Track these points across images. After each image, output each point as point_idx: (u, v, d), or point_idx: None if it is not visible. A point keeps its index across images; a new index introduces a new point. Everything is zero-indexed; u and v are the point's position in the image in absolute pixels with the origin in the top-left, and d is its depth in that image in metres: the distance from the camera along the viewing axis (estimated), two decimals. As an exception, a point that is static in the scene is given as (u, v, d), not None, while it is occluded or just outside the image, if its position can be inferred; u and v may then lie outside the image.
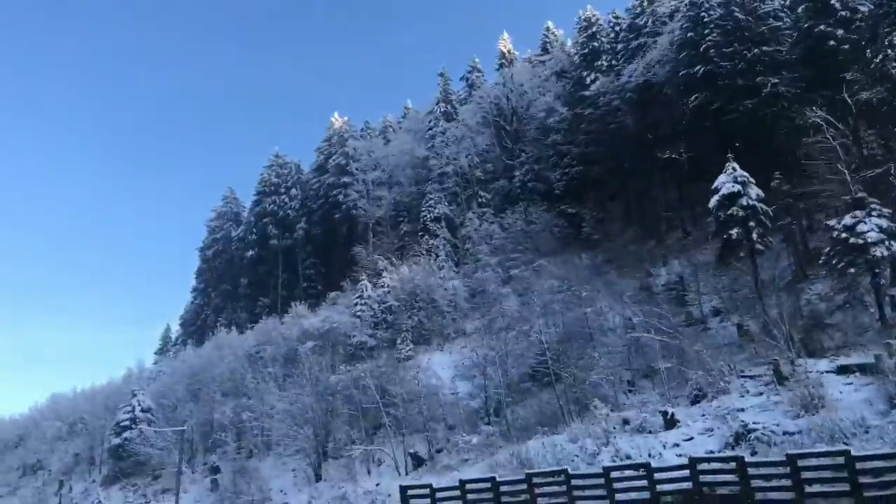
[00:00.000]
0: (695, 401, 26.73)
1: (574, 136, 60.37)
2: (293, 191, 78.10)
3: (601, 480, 20.83)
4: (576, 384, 31.37)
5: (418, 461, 31.74)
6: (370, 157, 69.42)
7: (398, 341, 45.40)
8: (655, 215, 54.97)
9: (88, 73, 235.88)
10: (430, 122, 69.09)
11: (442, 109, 68.05)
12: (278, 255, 76.34)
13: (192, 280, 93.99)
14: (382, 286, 49.99)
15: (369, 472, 32.70)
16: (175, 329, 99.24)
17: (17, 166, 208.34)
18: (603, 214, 58.82)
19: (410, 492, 24.78)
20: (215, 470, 38.38)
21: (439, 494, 24.02)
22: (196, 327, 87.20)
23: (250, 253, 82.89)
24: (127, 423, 42.32)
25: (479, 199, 60.63)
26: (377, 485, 30.89)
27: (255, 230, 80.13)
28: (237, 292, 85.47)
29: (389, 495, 29.48)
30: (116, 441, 42.02)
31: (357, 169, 72.36)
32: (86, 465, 45.94)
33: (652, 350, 35.07)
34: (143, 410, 42.98)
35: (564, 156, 60.59)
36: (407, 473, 31.20)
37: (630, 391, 32.59)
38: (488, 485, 23.03)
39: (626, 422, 26.55)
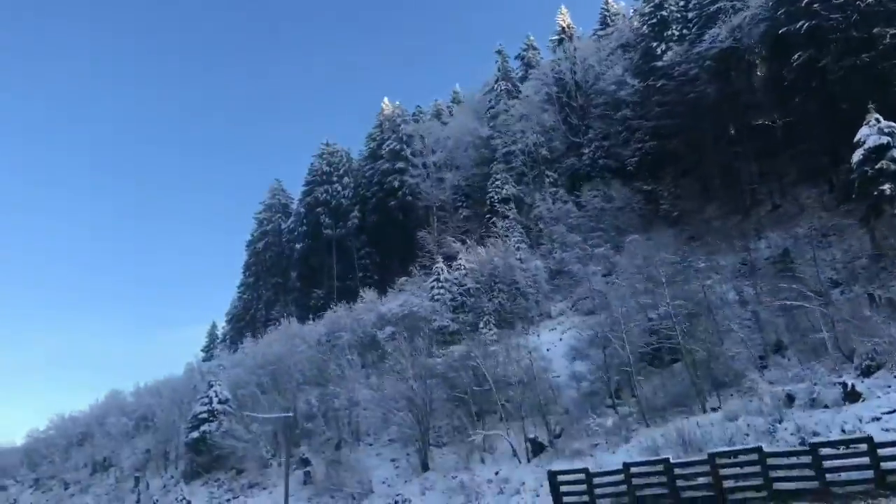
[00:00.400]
0: (866, 372, 23.90)
1: (646, 109, 57.50)
2: (345, 179, 75.94)
3: (807, 459, 18.13)
4: (709, 360, 28.55)
5: (538, 447, 29.17)
6: (429, 141, 66.89)
7: (481, 325, 42.94)
8: (740, 189, 51.89)
9: (125, 71, 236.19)
10: (490, 101, 66.38)
11: (503, 87, 65.30)
12: (332, 244, 74.14)
13: (235, 278, 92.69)
14: (459, 268, 47.48)
15: (483, 461, 30.18)
16: (221, 326, 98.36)
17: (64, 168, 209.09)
18: (680, 190, 56.05)
19: (562, 477, 22.24)
20: (305, 462, 36.13)
21: (598, 480, 21.45)
22: (245, 322, 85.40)
23: (300, 244, 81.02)
24: (205, 415, 40.22)
25: (547, 178, 57.88)
26: (496, 473, 28.41)
27: (305, 221, 78.07)
28: (287, 285, 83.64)
29: (507, 481, 27.18)
30: (195, 435, 39.93)
31: (412, 154, 70.00)
32: (159, 462, 43.96)
33: (771, 324, 32.48)
34: (220, 402, 40.87)
35: (636, 130, 57.73)
36: (528, 461, 28.65)
37: (763, 367, 29.77)
38: (659, 467, 20.42)
39: (790, 397, 23.78)
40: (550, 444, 29.31)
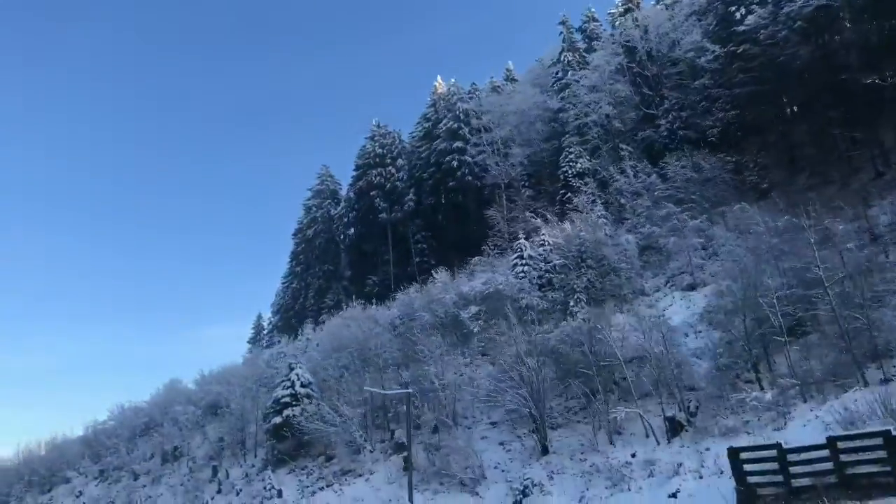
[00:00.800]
0: None
1: (727, 76, 54.30)
2: (399, 161, 73.48)
3: None
4: (868, 328, 25.62)
5: (675, 426, 26.45)
6: (492, 117, 64.11)
7: (571, 303, 40.29)
8: (837, 156, 48.59)
9: (167, 60, 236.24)
10: (557, 72, 63.46)
11: (569, 59, 62.32)
12: (385, 229, 71.77)
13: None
14: (543, 244, 44.79)
15: (612, 442, 27.52)
16: (267, 317, 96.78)
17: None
18: (766, 160, 52.90)
19: (746, 454, 19.47)
20: (400, 447, 33.72)
21: (793, 457, 18.70)
22: (294, 312, 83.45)
23: (352, 230, 78.87)
24: (287, 399, 37.93)
25: (621, 152, 54.91)
26: (633, 455, 25.74)
27: (357, 206, 75.85)
28: (338, 272, 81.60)
29: (651, 463, 24.52)
30: (277, 420, 37.66)
31: (472, 131, 67.42)
32: (236, 450, 41.83)
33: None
34: (303, 385, 38.58)
35: (716, 99, 54.58)
36: (669, 441, 25.94)
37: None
38: (876, 440, 17.63)
39: None
40: (688, 423, 26.58)
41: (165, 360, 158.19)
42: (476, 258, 52.79)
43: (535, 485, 25.44)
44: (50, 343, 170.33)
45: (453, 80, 71.64)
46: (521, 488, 25.49)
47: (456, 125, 67.63)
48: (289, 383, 38.54)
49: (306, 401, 38.03)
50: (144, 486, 43.46)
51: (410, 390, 26.42)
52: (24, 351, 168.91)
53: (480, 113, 66.20)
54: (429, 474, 30.51)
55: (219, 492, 37.14)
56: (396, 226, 71.69)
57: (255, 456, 40.61)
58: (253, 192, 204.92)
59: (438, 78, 74.95)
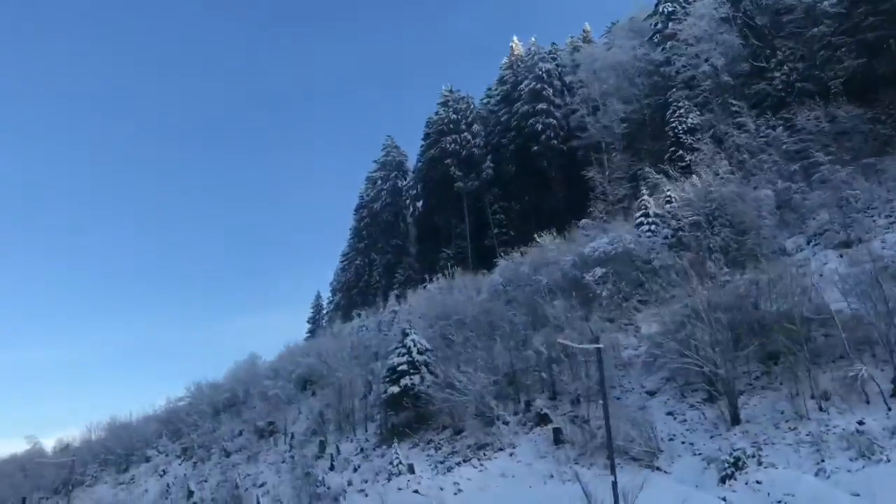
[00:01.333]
0: None
1: (852, 21, 49.48)
2: (475, 127, 69.62)
3: None
4: None
5: (903, 390, 22.46)
6: (585, 74, 59.96)
7: (708, 265, 36.30)
8: None
9: (221, 41, 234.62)
10: (655, 24, 58.98)
11: (668, 9, 57.77)
12: (460, 199, 68.12)
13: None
14: (670, 201, 40.82)
15: (822, 409, 23.59)
16: (326, 297, 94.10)
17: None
18: (900, 112, 48.13)
19: None
20: (543, 418, 30.19)
21: None
22: (359, 289, 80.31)
23: (422, 202, 75.40)
24: (404, 367, 34.51)
25: (733, 106, 50.56)
26: (860, 423, 21.80)
27: (427, 176, 72.29)
28: (405, 247, 78.35)
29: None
30: (394, 390, 34.28)
31: (554, 93, 63.51)
32: (341, 424, 38.62)
33: None
34: (419, 352, 35.13)
35: (838, 48, 49.78)
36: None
37: None
38: None
39: None
40: (911, 387, 22.58)
41: (194, 350, 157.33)
42: (584, 220, 48.91)
43: (750, 456, 21.62)
44: (80, 335, 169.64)
45: (533, 40, 67.62)
46: (732, 460, 21.69)
47: (538, 86, 63.74)
48: (404, 350, 35.14)
49: (424, 369, 34.61)
50: (238, 464, 40.49)
51: (600, 345, 22.62)
52: (78, 340, 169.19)
53: (572, 68, 62.07)
54: (590, 448, 26.88)
55: (332, 468, 33.89)
56: (471, 195, 68.07)
57: (366, 430, 37.33)
58: (277, 185, 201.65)
59: (515, 39, 71.18)
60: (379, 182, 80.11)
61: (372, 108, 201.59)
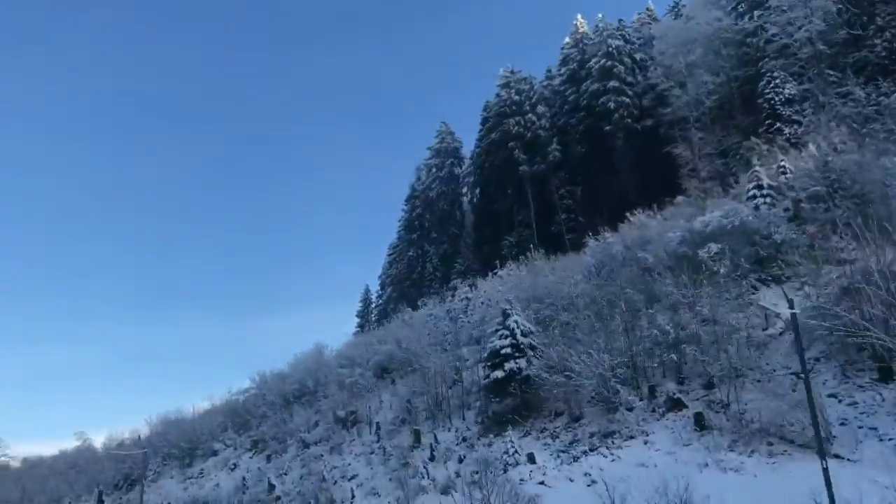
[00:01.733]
0: None
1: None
2: (539, 108, 66.75)
3: None
4: None
5: None
6: (665, 45, 56.69)
7: (835, 239, 33.20)
8: None
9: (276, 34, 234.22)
10: (739, -10, 55.69)
11: (754, -23, 54.45)
12: (522, 184, 65.34)
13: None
14: (784, 171, 37.63)
15: None
16: (375, 291, 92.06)
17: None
18: None
19: None
20: (676, 403, 27.27)
21: None
22: (412, 281, 77.90)
23: (479, 189, 72.69)
24: (508, 350, 31.79)
25: (829, 77, 47.18)
26: None
27: (485, 162, 69.67)
28: (461, 236, 75.77)
29: None
30: (497, 375, 31.57)
31: (626, 71, 60.45)
32: (432, 412, 36.03)
33: None
34: (523, 334, 32.40)
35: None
36: None
37: None
38: None
39: None
40: None
41: (224, 351, 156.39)
42: (679, 198, 45.85)
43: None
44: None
45: (600, 16, 64.49)
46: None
47: (609, 63, 60.72)
48: (506, 332, 32.38)
49: (530, 352, 31.85)
50: (321, 455, 38.04)
51: (795, 310, 19.62)
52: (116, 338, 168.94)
53: (641, 46, 59.03)
54: (745, 434, 23.92)
55: (432, 458, 31.28)
56: (536, 180, 65.25)
57: (463, 419, 34.68)
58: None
59: (579, 17, 68.14)
60: (434, 170, 77.64)
61: (418, 100, 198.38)
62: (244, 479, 40.27)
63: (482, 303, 48.29)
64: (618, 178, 60.19)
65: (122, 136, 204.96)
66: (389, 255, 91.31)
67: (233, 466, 44.64)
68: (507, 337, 32.34)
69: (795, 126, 44.23)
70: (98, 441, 70.62)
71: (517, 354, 31.72)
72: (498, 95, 68.76)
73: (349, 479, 33.58)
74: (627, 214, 45.09)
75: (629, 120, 59.03)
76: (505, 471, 27.44)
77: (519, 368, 31.31)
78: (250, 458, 45.08)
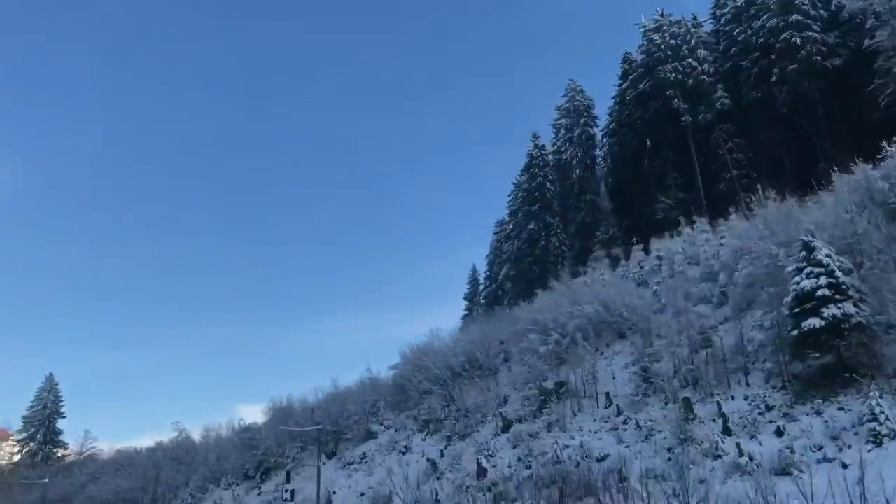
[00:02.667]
0: None
1: None
2: (700, 52, 59.01)
3: None
4: None
5: None
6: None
7: None
8: None
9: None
10: None
11: None
12: (685, 137, 57.72)
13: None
14: None
15: None
16: (482, 269, 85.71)
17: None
18: None
19: None
20: None
21: None
22: (535, 257, 70.66)
23: (621, 148, 65.10)
24: (825, 292, 24.28)
25: None
26: None
27: (632, 118, 62.18)
28: (597, 203, 68.42)
29: None
30: (814, 324, 24.12)
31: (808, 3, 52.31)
32: (690, 379, 28.93)
33: None
34: (842, 271, 24.92)
35: None
36: None
37: None
38: None
39: None
40: None
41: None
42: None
43: None
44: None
45: (772, -56, 56.19)
46: None
47: (788, -8, 52.55)
48: (818, 270, 24.99)
49: (855, 294, 24.42)
50: (536, 433, 31.29)
51: None
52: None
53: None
54: None
55: (726, 431, 24.17)
56: (701, 131, 57.67)
57: (746, 384, 27.43)
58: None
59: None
60: (563, 130, 70.46)
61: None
62: (434, 462, 33.82)
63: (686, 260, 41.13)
64: (805, 126, 52.21)
65: (230, 138, 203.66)
66: (496, 232, 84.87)
67: (403, 450, 38.22)
68: (819, 276, 24.93)
69: None
70: (195, 434, 67.21)
71: (838, 297, 24.31)
72: (647, 42, 61.21)
73: (601, 460, 26.69)
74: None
75: (818, 58, 50.91)
76: (878, 444, 20.21)
77: (845, 315, 23.89)
78: (423, 439, 38.61)
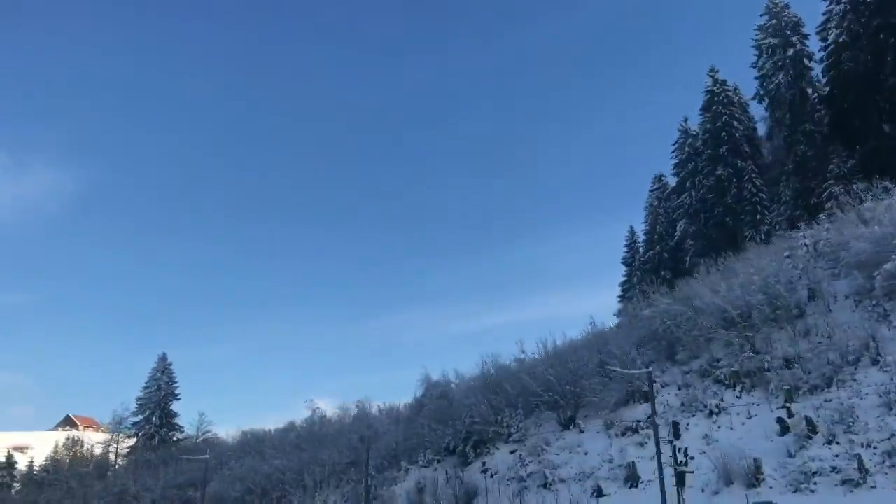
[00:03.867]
0: None
1: None
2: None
3: None
4: None
5: None
6: None
7: None
8: None
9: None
10: None
11: None
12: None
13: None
14: None
15: None
16: (641, 234, 75.71)
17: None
18: None
19: None
20: None
21: None
22: (725, 207, 60.36)
23: (848, 66, 53.87)
24: None
25: None
26: None
27: (865, 24, 51.21)
28: (814, 135, 57.23)
29: None
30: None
31: None
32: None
33: None
34: None
35: None
36: None
37: None
38: None
39: None
40: None
41: None
42: None
43: None
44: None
45: None
46: None
47: None
48: None
49: None
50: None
51: None
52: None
53: None
54: None
55: None
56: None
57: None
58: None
59: None
60: (766, 52, 59.82)
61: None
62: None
63: None
64: None
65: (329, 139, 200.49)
66: (653, 189, 75.17)
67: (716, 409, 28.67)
68: None
69: None
70: (329, 411, 67.33)
71: None
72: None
73: None
74: None
75: None
76: None
77: None
78: (737, 396, 29.04)
